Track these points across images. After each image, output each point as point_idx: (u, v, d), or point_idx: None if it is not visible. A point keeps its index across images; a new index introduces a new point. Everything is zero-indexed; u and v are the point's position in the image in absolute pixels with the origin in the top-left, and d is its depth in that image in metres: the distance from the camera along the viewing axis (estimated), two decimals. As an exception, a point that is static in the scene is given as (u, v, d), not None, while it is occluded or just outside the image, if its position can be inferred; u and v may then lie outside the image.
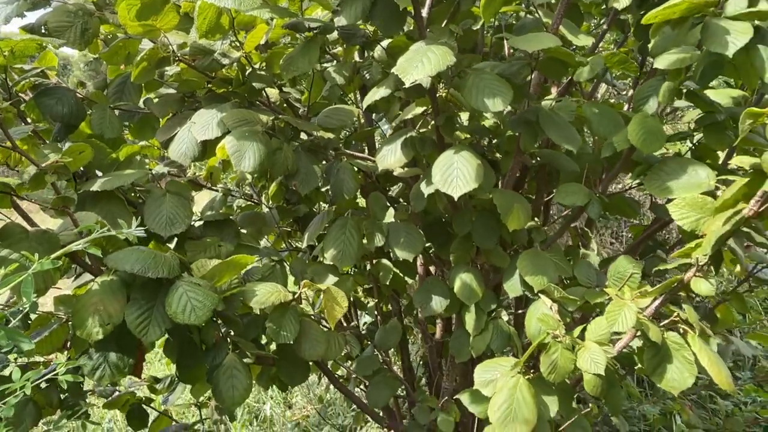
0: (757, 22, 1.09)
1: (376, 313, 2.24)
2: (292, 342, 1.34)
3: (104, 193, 1.29)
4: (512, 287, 1.55)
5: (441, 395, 1.90)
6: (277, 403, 3.68)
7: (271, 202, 1.99)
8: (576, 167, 1.57)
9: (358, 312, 2.37)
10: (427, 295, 1.68)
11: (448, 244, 1.71)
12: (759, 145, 1.30)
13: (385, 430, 2.19)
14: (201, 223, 1.55)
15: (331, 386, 3.33)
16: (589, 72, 1.44)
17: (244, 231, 1.63)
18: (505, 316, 1.69)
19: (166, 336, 1.36)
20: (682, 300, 1.41)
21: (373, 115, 2.01)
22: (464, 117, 1.84)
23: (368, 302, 2.38)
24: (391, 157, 1.44)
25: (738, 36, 1.05)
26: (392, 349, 3.24)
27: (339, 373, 2.55)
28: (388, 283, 1.85)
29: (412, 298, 1.69)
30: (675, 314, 1.34)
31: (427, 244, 1.84)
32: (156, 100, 1.55)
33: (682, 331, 1.33)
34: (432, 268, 2.11)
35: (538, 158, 1.69)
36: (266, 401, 3.66)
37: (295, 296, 1.37)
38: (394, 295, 2.05)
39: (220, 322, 1.34)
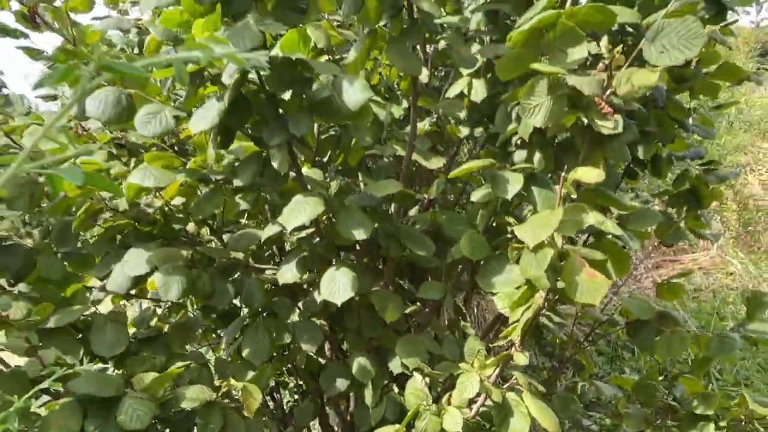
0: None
1: (295, 392, 2.58)
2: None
3: (57, 328, 1.60)
4: (395, 366, 1.95)
5: (354, 462, 2.24)
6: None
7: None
8: (435, 263, 2.02)
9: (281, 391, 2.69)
10: (332, 378, 2.06)
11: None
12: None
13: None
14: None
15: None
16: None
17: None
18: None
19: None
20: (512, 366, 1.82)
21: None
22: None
23: (289, 383, 2.71)
24: (288, 274, 1.83)
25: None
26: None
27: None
28: (303, 366, 2.22)
29: (319, 381, 2.06)
30: (514, 378, 1.76)
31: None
32: (92, 241, 1.89)
33: (522, 391, 1.75)
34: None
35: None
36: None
37: (218, 394, 1.71)
38: (311, 375, 2.40)
39: (156, 422, 1.66)
